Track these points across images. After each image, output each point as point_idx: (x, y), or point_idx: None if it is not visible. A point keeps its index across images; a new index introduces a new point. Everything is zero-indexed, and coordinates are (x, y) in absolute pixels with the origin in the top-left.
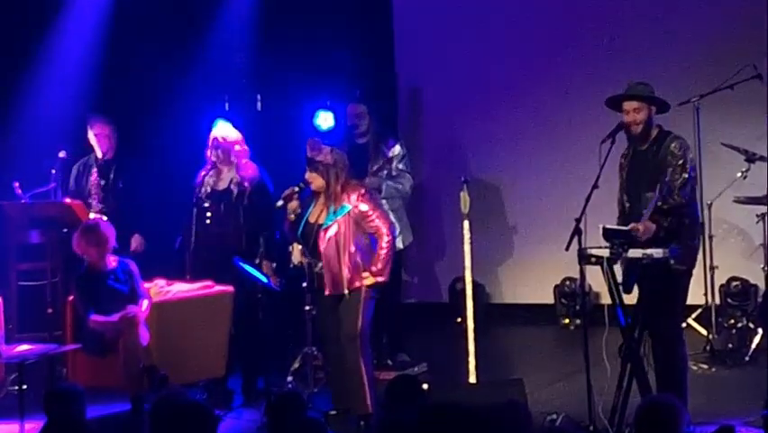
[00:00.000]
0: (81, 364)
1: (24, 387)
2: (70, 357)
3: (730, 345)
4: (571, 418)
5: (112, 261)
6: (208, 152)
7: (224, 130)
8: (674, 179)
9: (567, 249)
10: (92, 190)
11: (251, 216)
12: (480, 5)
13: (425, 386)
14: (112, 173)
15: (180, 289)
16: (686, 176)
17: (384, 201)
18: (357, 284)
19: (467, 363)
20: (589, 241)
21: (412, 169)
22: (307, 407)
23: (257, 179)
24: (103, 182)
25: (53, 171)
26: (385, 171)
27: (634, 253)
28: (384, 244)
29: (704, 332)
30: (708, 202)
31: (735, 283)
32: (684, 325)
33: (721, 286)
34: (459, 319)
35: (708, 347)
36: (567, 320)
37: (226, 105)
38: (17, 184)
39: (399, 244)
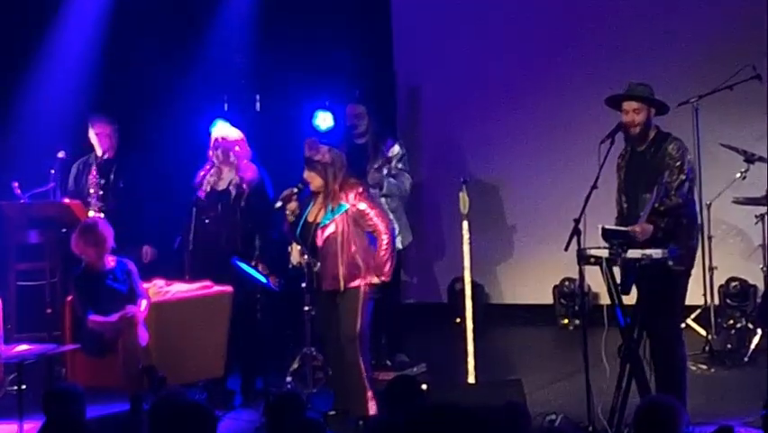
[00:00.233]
0: (80, 364)
1: (23, 387)
2: (69, 357)
3: (729, 346)
4: (569, 418)
5: (110, 260)
6: (210, 152)
7: (224, 130)
8: (672, 180)
9: (566, 249)
10: (91, 189)
11: (247, 218)
12: (479, 5)
13: (424, 386)
14: (112, 173)
15: (179, 289)
16: (683, 177)
17: (383, 200)
18: (355, 283)
19: (466, 363)
20: (588, 241)
21: (411, 169)
22: (306, 407)
23: (256, 180)
24: (102, 181)
25: (52, 171)
26: (385, 170)
27: (633, 253)
28: (384, 246)
29: (703, 332)
30: (708, 203)
31: (734, 284)
32: (683, 325)
33: (720, 286)
34: (458, 320)
35: (707, 348)
36: (566, 321)
37: (225, 105)
38: (16, 184)
39: (399, 245)
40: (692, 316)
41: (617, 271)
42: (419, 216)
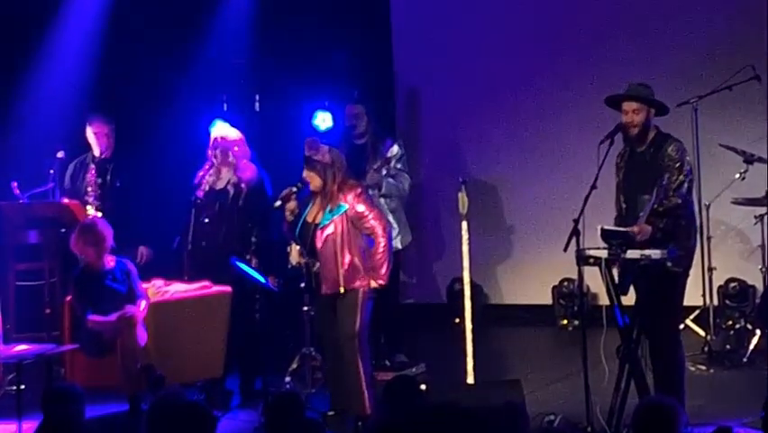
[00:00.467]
0: (79, 364)
1: (22, 387)
2: (68, 357)
3: (728, 347)
4: (568, 418)
5: (110, 260)
6: (209, 152)
7: (223, 130)
8: (671, 181)
9: (565, 250)
10: (89, 189)
11: (246, 217)
12: (479, 5)
13: (423, 387)
14: (109, 173)
15: (178, 289)
16: (682, 177)
17: (382, 200)
18: (355, 284)
19: (465, 363)
20: (587, 242)
21: (410, 169)
22: (305, 407)
23: (255, 180)
24: (99, 181)
25: (51, 171)
26: (384, 170)
27: (632, 254)
28: (380, 249)
29: (702, 333)
30: (707, 203)
31: (733, 284)
32: (682, 326)
33: (719, 287)
34: (457, 320)
35: (706, 348)
36: (565, 321)
37: (224, 105)
38: (15, 184)
39: (398, 245)
40: (691, 316)
41: (615, 271)
42: (418, 216)
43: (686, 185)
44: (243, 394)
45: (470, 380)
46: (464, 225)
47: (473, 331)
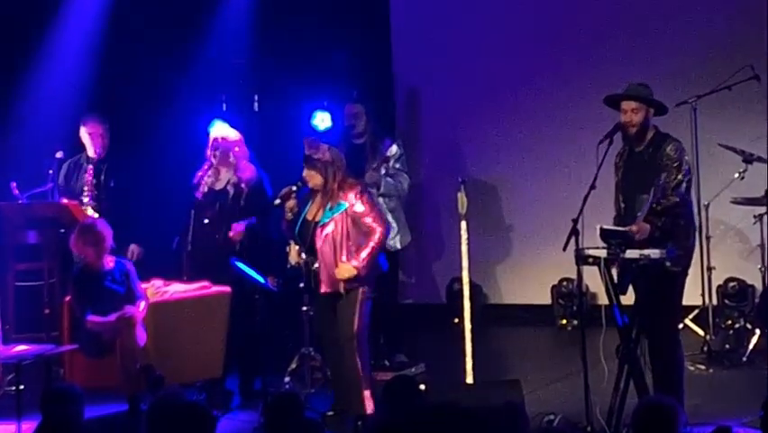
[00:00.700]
0: (78, 365)
1: (21, 387)
2: (67, 358)
3: (727, 346)
4: (568, 418)
5: (109, 261)
6: (208, 152)
7: (223, 131)
8: (669, 180)
9: (564, 249)
10: (85, 189)
11: (246, 217)
12: (479, 5)
13: (423, 387)
14: (103, 173)
15: (177, 289)
16: (681, 177)
17: (381, 200)
18: (355, 283)
19: (464, 363)
20: (586, 241)
21: (409, 169)
22: (305, 407)
23: (254, 179)
24: (95, 181)
25: (50, 172)
26: (383, 170)
27: (631, 253)
28: (375, 238)
29: (701, 333)
30: (706, 203)
31: (732, 284)
32: (681, 325)
33: (718, 287)
34: (456, 320)
35: (705, 348)
36: (564, 321)
37: (224, 105)
38: (14, 184)
39: (397, 245)
40: (690, 316)
41: (614, 271)
42: (418, 216)
43: (684, 184)
44: (243, 394)
45: (470, 380)
46: (463, 225)
47: (472, 331)
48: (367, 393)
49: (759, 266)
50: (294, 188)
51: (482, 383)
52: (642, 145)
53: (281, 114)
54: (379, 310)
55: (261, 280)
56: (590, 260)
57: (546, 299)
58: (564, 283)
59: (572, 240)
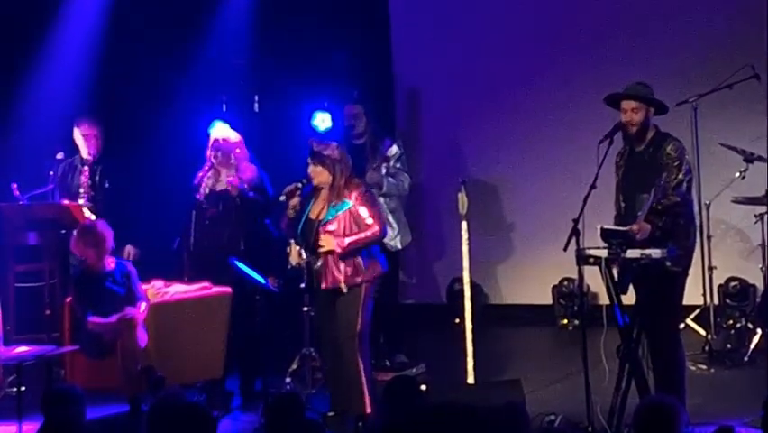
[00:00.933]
0: (79, 366)
1: (23, 388)
2: (68, 359)
3: (729, 346)
4: (569, 418)
5: (110, 262)
6: (208, 153)
7: (224, 132)
8: (670, 180)
9: (565, 249)
10: (81, 190)
11: (249, 214)
12: (479, 5)
13: (424, 387)
14: (98, 174)
15: (178, 290)
16: (681, 176)
17: (382, 200)
18: (356, 281)
19: (465, 363)
20: (587, 241)
21: (410, 169)
22: (306, 408)
23: (255, 180)
24: (90, 182)
25: (51, 173)
26: (383, 169)
27: (632, 253)
28: (368, 233)
29: (703, 332)
30: (707, 202)
31: (733, 283)
32: (683, 325)
33: (720, 286)
34: (457, 320)
35: (706, 348)
36: (565, 321)
37: (224, 105)
38: (15, 185)
39: (398, 245)
40: (692, 316)
41: (615, 271)
42: (418, 216)
43: (685, 184)
44: (244, 395)
45: (471, 380)
46: (464, 225)
47: (473, 331)
48: (366, 392)
49: (760, 265)
50: (299, 185)
51: (483, 383)
52: (642, 145)
53: (282, 114)
54: (380, 310)
55: (262, 280)
56: (591, 260)
57: (547, 299)
58: (565, 283)
59: (573, 240)
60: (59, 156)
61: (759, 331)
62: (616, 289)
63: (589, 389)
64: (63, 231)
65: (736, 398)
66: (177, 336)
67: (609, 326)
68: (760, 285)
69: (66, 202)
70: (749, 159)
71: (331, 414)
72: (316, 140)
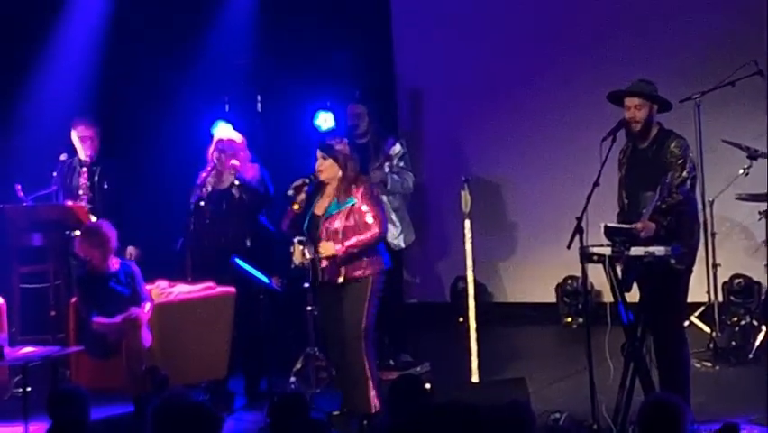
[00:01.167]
0: (84, 366)
1: (28, 389)
2: (73, 359)
3: (733, 343)
4: (574, 416)
5: (114, 263)
6: (210, 153)
7: (228, 133)
8: (674, 178)
9: (569, 247)
10: (80, 191)
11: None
12: (479, 5)
13: (428, 386)
14: (97, 175)
15: (182, 290)
16: (685, 174)
17: (385, 198)
18: (356, 273)
19: (469, 362)
20: (590, 239)
21: (413, 168)
22: (310, 407)
23: (257, 178)
24: (89, 183)
25: (54, 174)
26: (387, 167)
27: (636, 251)
28: (368, 235)
29: (707, 330)
30: (710, 199)
31: (737, 281)
32: (687, 323)
33: (724, 283)
34: (461, 319)
35: (711, 345)
36: (569, 319)
37: (226, 105)
38: (19, 187)
39: (401, 244)
40: (696, 313)
41: (619, 268)
42: (421, 215)
43: (689, 182)
44: (248, 395)
45: (475, 379)
46: (467, 223)
47: (477, 330)
48: (373, 393)
49: (764, 263)
50: (307, 180)
51: (487, 382)
52: (646, 142)
53: (284, 114)
54: (384, 310)
55: (265, 279)
56: (595, 257)
57: (551, 298)
58: (569, 281)
59: (577, 238)
60: (63, 157)
61: (764, 328)
62: (620, 286)
63: (594, 387)
64: (67, 232)
65: (740, 395)
66: (181, 336)
67: (614, 324)
68: (764, 282)
69: (70, 203)
70: (753, 156)
71: (336, 413)
72: (326, 138)
